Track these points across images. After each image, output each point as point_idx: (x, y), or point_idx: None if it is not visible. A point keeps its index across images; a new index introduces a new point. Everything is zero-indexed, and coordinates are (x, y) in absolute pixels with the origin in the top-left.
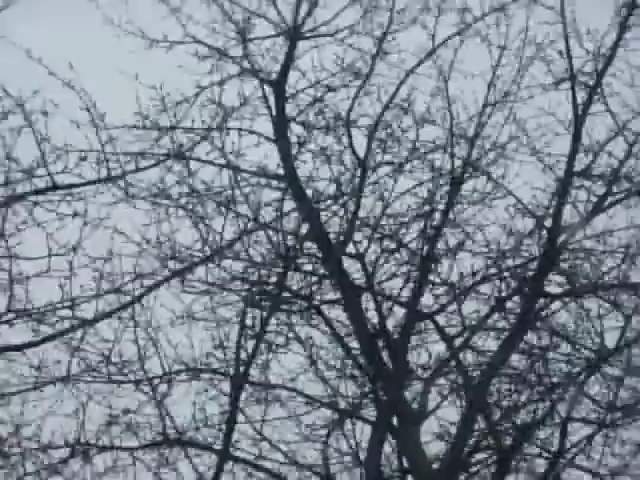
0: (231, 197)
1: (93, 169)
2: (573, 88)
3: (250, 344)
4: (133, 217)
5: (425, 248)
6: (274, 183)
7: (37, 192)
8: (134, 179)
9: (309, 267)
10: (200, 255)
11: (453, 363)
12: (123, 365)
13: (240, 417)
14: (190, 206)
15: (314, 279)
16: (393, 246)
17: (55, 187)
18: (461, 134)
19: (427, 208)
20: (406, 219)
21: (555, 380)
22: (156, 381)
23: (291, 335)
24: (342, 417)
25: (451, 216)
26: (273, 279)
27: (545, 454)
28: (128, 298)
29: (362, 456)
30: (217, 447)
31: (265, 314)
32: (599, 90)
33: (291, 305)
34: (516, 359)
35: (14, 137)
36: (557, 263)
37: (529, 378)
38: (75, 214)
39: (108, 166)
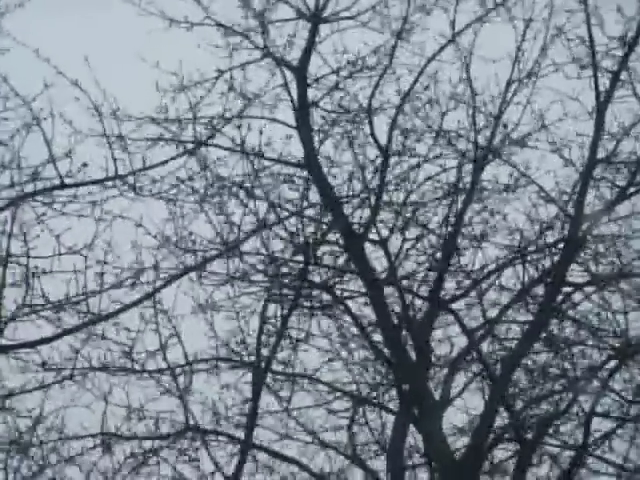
0: (250, 188)
1: (102, 168)
2: (595, 74)
3: (272, 333)
4: (147, 213)
5: (448, 233)
6: (295, 171)
7: (45, 191)
8: (143, 176)
9: (330, 258)
10: (218, 248)
11: (474, 354)
12: (146, 355)
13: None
14: (208, 198)
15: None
16: (417, 232)
17: (63, 186)
18: (484, 112)
19: (451, 190)
20: (429, 205)
21: (578, 373)
22: (177, 371)
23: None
24: (362, 404)
25: (474, 200)
26: (294, 271)
27: (569, 447)
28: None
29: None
30: (238, 436)
31: (286, 306)
32: (623, 75)
33: (312, 298)
34: (538, 350)
35: (22, 136)
36: (580, 252)
37: (551, 370)
38: (88, 213)
39: (116, 165)
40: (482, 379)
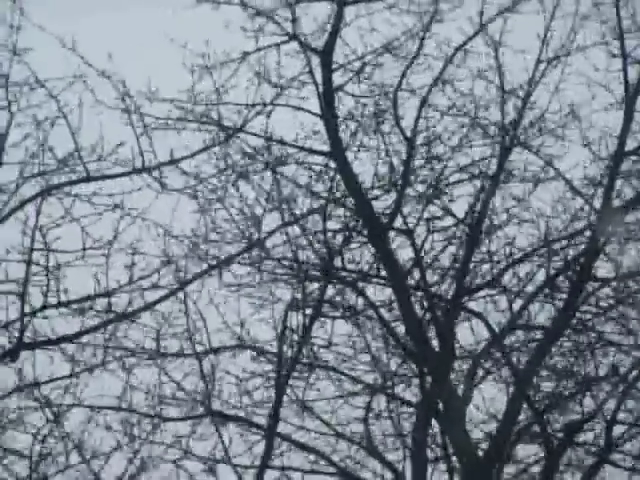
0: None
1: (128, 162)
2: (625, 65)
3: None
4: (173, 208)
5: (474, 221)
6: (319, 159)
7: (71, 183)
8: (169, 171)
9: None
10: (242, 244)
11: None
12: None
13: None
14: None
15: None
16: (442, 222)
17: (89, 178)
18: (513, 94)
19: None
20: (455, 193)
21: (602, 374)
22: (203, 356)
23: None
24: (380, 394)
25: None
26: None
27: (591, 450)
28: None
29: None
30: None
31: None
32: None
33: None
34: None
35: (48, 128)
36: (606, 245)
37: (575, 370)
38: (115, 206)
39: (143, 157)
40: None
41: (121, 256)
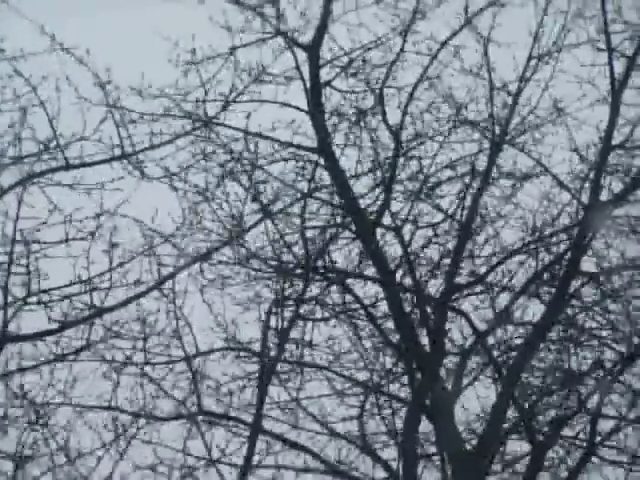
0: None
1: (107, 147)
2: (611, 59)
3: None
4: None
5: (463, 218)
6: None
7: (51, 171)
8: (149, 158)
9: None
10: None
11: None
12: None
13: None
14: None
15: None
16: (431, 218)
17: (68, 166)
18: (502, 90)
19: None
20: (444, 190)
21: (587, 369)
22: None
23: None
24: (373, 393)
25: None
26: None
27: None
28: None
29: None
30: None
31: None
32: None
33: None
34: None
35: (25, 117)
36: (593, 240)
37: (560, 366)
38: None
39: (123, 146)
40: (493, 369)
41: (103, 247)
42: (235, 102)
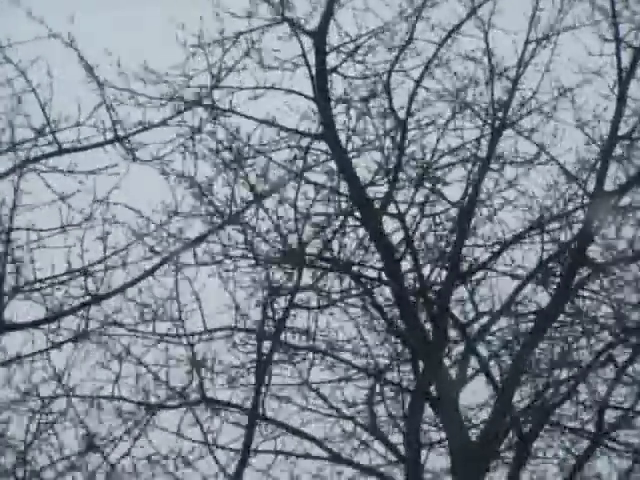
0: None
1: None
2: (618, 49)
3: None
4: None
5: (466, 204)
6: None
7: (46, 157)
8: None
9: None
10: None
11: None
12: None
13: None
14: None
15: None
16: (434, 205)
17: (61, 151)
18: (503, 75)
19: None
20: (447, 176)
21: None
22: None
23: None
24: (377, 381)
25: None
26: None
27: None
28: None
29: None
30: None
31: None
32: None
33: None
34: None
35: (16, 103)
36: (599, 230)
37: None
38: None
39: (115, 129)
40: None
41: (97, 233)
42: (241, 89)
